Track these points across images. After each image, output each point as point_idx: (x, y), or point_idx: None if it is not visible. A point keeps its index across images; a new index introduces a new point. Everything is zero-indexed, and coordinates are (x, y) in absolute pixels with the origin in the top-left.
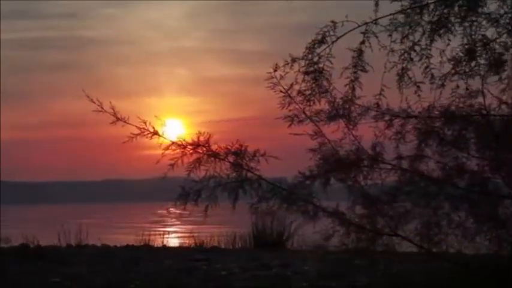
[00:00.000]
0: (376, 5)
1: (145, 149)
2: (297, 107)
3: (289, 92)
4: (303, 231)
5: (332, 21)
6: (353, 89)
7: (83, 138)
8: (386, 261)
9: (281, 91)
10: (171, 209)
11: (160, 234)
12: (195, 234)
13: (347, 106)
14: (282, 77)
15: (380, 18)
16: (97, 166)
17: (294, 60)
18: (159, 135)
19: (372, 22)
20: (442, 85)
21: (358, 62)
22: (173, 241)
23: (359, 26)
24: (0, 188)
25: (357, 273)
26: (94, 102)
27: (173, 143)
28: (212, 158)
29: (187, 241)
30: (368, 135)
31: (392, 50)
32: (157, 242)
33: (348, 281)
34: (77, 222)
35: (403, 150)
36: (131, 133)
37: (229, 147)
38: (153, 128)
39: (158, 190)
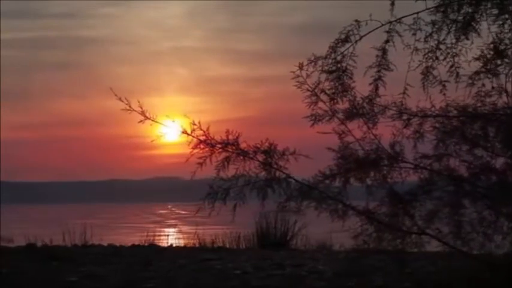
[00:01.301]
0: (392, 4)
1: (143, 149)
2: (321, 105)
3: (315, 90)
4: (307, 231)
5: (356, 20)
6: (376, 87)
7: (83, 138)
8: (401, 260)
9: (308, 89)
10: (173, 209)
11: (164, 235)
12: (200, 235)
13: (365, 105)
14: (308, 76)
15: (404, 17)
16: (96, 166)
17: (316, 59)
18: (188, 134)
19: (395, 21)
20: (472, 83)
21: (382, 61)
22: (178, 241)
23: (382, 25)
24: (0, 188)
25: (373, 272)
26: (122, 101)
27: (201, 141)
28: (241, 157)
29: (191, 241)
30: (387, 135)
31: (416, 49)
32: (162, 241)
33: (366, 280)
34: (78, 222)
35: (421, 150)
36: (160, 131)
37: (259, 146)
38: (181, 126)
39: (157, 191)
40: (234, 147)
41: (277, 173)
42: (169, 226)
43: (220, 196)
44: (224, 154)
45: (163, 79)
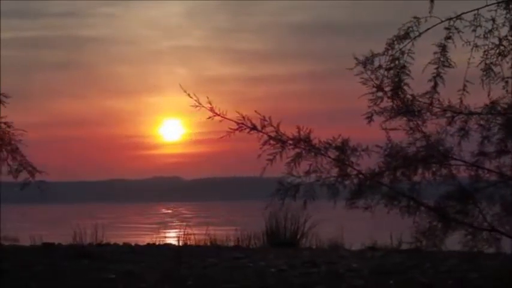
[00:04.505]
0: (432, 1)
1: (143, 149)
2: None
3: (381, 85)
4: (317, 230)
5: (415, 17)
6: (435, 84)
7: (83, 138)
8: (435, 259)
9: (373, 86)
10: (179, 208)
11: (174, 234)
12: (211, 235)
13: (415, 102)
14: (372, 72)
15: (464, 13)
16: (96, 166)
17: (374, 55)
18: (258, 130)
19: (456, 17)
20: None
21: (442, 58)
22: (189, 241)
23: (442, 21)
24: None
25: (409, 270)
26: (191, 97)
27: (272, 138)
28: (312, 153)
29: (203, 241)
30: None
31: (476, 46)
32: (172, 241)
33: (406, 278)
34: (86, 222)
35: (465, 147)
36: (229, 128)
37: (330, 142)
38: (251, 122)
39: (157, 190)
40: (305, 144)
41: (348, 169)
42: (174, 226)
43: (290, 193)
44: (295, 150)
45: (164, 78)
